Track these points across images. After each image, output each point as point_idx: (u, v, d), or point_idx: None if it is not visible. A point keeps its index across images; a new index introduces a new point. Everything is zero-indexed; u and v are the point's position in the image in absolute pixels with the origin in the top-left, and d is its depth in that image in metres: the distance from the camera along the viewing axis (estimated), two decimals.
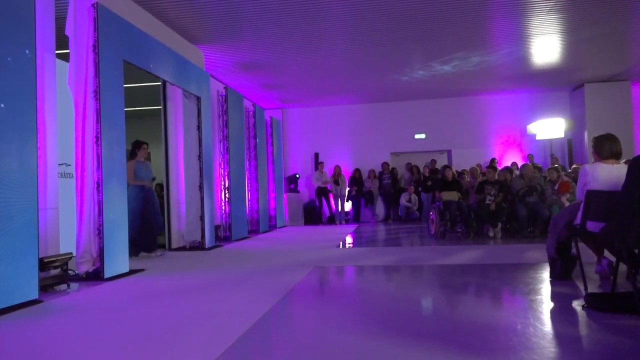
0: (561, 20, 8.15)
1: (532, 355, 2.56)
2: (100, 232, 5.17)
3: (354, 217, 13.71)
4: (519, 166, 10.42)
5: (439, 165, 13.37)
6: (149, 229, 7.06)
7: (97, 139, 5.17)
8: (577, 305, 3.58)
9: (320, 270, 5.67)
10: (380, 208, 14.03)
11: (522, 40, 9.16)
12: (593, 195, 3.79)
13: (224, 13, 7.27)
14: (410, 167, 14.01)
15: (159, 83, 7.91)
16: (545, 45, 9.53)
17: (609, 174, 3.97)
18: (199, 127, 7.97)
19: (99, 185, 5.17)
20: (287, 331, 3.36)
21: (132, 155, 7.10)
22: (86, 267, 5.18)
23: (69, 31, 5.20)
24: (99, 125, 5.17)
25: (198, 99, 8.02)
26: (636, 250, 3.66)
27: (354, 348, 2.78)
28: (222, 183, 9.48)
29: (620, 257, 3.39)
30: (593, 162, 4.28)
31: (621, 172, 3.70)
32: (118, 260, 5.40)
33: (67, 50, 5.25)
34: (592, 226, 3.85)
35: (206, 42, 8.56)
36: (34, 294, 4.17)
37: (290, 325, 3.56)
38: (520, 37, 8.98)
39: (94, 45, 5.21)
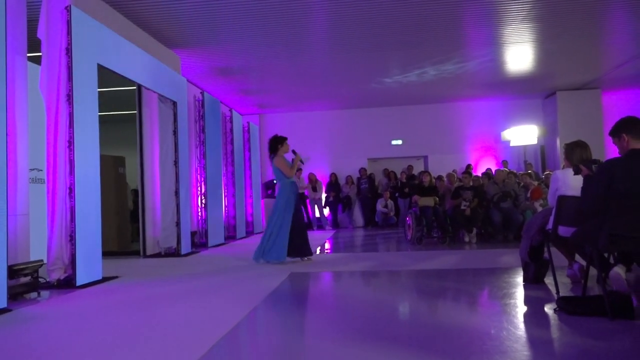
0: (534, 29, 8.32)
1: (505, 359, 2.59)
2: (72, 239, 5.07)
3: (332, 222, 13.72)
4: (494, 172, 10.59)
5: (415, 171, 13.53)
6: (303, 230, 6.69)
7: (70, 144, 5.08)
8: (549, 308, 3.64)
9: (297, 276, 5.66)
10: (358, 214, 14.08)
11: (497, 48, 9.32)
12: (564, 201, 3.87)
13: (201, 17, 7.23)
14: (388, 173, 14.11)
15: (134, 87, 7.81)
16: (519, 54, 9.72)
17: (578, 179, 4.05)
18: (175, 132, 7.89)
19: (71, 191, 5.07)
20: (262, 337, 3.34)
21: (274, 150, 6.78)
22: (58, 274, 5.07)
23: (41, 34, 5.10)
24: (71, 129, 5.08)
25: (174, 103, 7.94)
26: (606, 255, 3.74)
27: (329, 354, 2.78)
28: (199, 189, 9.40)
29: (591, 261, 3.46)
30: (564, 168, 4.37)
31: None
32: (91, 267, 5.30)
33: (39, 53, 5.15)
34: (564, 231, 3.93)
35: (183, 47, 8.50)
36: (3, 303, 4.06)
37: (266, 331, 3.54)
38: (495, 45, 9.13)
39: (67, 49, 5.12)
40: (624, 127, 3.36)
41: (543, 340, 3.03)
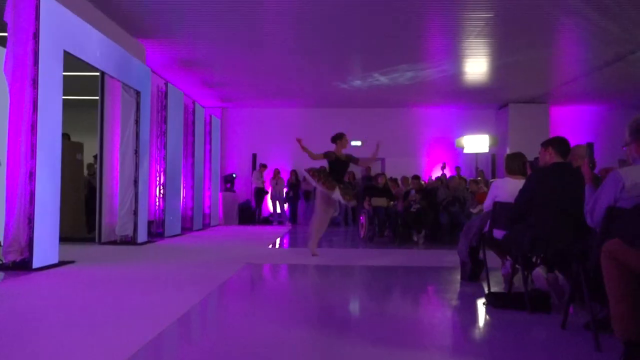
0: (488, 44, 8.82)
1: (437, 347, 2.92)
2: (30, 222, 5.13)
3: (290, 218, 13.98)
4: (448, 177, 11.12)
5: (373, 173, 13.95)
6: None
7: (33, 128, 5.13)
8: (480, 303, 4.02)
9: (252, 267, 5.88)
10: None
11: (455, 59, 9.79)
12: (499, 206, 4.25)
13: (167, 8, 7.32)
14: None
15: (97, 73, 7.81)
16: (475, 66, 10.23)
17: (514, 187, 4.43)
18: (137, 122, 7.95)
19: (32, 175, 5.13)
20: (211, 324, 3.55)
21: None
22: (14, 256, 5.12)
23: (7, 17, 5.13)
24: (35, 114, 5.13)
25: (138, 93, 8.00)
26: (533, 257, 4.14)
27: (276, 339, 3.02)
28: (158, 179, 9.46)
29: (516, 261, 3.85)
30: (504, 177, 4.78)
31: None
32: (48, 250, 5.37)
33: (4, 34, 5.17)
34: (498, 234, 4.31)
35: (148, 37, 8.55)
36: None
37: (216, 318, 3.76)
38: (453, 56, 9.60)
39: (34, 34, 5.17)
40: (554, 143, 3.78)
41: (471, 329, 3.40)
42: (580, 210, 2.92)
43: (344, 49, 9.14)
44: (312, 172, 6.89)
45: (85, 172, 10.18)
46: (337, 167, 6.98)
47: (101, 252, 6.97)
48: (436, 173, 13.72)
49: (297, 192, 14.05)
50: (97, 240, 7.78)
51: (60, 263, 5.55)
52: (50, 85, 5.40)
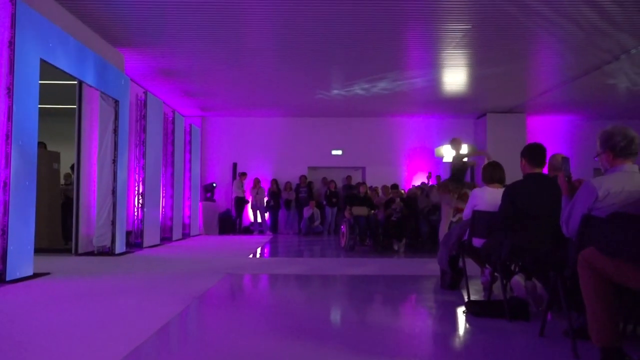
0: (466, 55, 8.95)
1: (418, 356, 2.92)
2: (4, 233, 5.01)
3: (271, 227, 13.92)
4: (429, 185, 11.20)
5: (354, 181, 14.03)
6: None
7: (7, 137, 5.03)
8: (459, 311, 4.04)
9: (232, 277, 5.83)
10: (294, 221, 14.34)
11: (434, 70, 9.90)
12: (478, 215, 4.30)
13: (147, 17, 7.27)
14: (327, 182, 14.46)
15: (74, 82, 7.71)
16: (454, 76, 10.37)
17: (493, 197, 4.50)
18: (115, 131, 7.86)
19: (6, 185, 5.02)
20: (192, 336, 3.51)
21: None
22: None
23: None
24: (10, 123, 5.03)
25: (116, 102, 7.92)
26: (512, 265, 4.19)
27: (257, 350, 3.00)
28: (136, 188, 9.34)
29: (495, 269, 3.89)
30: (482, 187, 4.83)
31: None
32: (22, 262, 5.24)
33: None
34: (477, 242, 4.35)
35: (128, 45, 8.48)
36: None
37: (197, 329, 3.71)
38: (432, 67, 9.71)
39: (10, 42, 5.08)
40: (525, 153, 3.85)
41: (451, 338, 3.41)
42: (557, 219, 2.97)
43: (324, 59, 9.18)
44: (443, 188, 7.35)
45: (62, 182, 10.02)
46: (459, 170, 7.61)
47: (78, 263, 6.84)
48: (420, 181, 13.77)
49: (278, 201, 14.00)
50: (73, 251, 7.64)
51: (35, 275, 5.43)
52: (26, 93, 5.30)
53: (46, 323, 3.54)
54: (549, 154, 4.00)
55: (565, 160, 3.02)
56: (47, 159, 8.47)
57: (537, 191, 3.64)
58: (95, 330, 3.31)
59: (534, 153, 3.79)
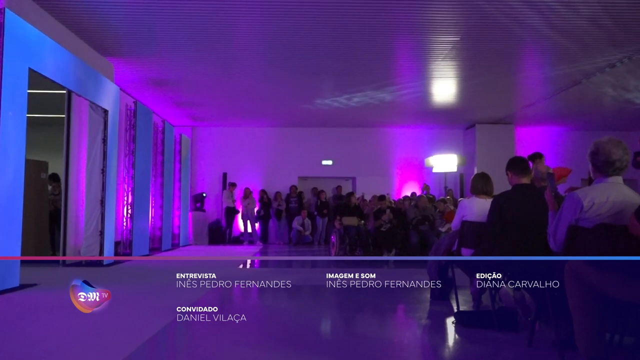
0: (455, 66, 9.04)
1: None
2: None
3: (262, 237, 13.88)
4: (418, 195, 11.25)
5: (344, 192, 14.04)
6: None
7: None
8: (449, 321, 4.05)
9: (221, 288, 5.79)
10: (284, 230, 14.32)
11: (424, 81, 9.98)
12: (466, 225, 4.33)
13: (137, 27, 7.27)
14: (317, 192, 14.47)
15: (63, 91, 7.68)
16: (444, 87, 10.46)
17: (481, 207, 4.53)
18: (104, 141, 7.82)
19: None
20: (180, 347, 3.48)
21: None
22: None
23: None
24: None
25: (105, 111, 7.88)
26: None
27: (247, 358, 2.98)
28: (125, 198, 9.29)
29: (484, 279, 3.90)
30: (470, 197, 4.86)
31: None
32: (8, 273, 5.18)
33: None
34: (466, 252, 4.38)
35: (117, 55, 8.46)
36: None
37: (185, 340, 3.68)
38: (421, 78, 9.79)
39: None
40: (509, 166, 3.91)
41: (441, 348, 3.41)
42: (545, 228, 2.99)
43: (314, 70, 9.22)
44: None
45: (50, 191, 9.92)
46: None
47: (65, 274, 6.77)
48: (410, 192, 13.81)
49: (269, 211, 13.97)
50: (61, 262, 7.56)
51: (22, 286, 5.36)
52: (14, 103, 5.27)
53: (32, 335, 3.49)
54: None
55: (551, 175, 3.06)
56: (34, 169, 8.39)
57: (525, 201, 3.68)
58: (82, 343, 3.28)
59: (518, 165, 3.87)
